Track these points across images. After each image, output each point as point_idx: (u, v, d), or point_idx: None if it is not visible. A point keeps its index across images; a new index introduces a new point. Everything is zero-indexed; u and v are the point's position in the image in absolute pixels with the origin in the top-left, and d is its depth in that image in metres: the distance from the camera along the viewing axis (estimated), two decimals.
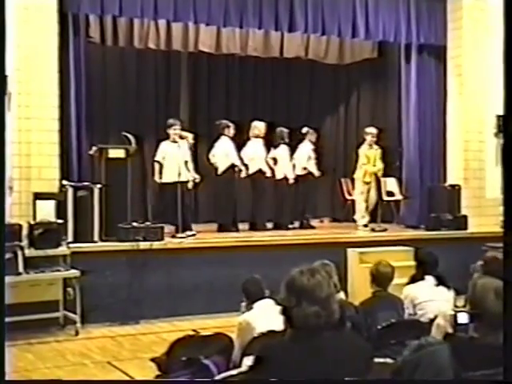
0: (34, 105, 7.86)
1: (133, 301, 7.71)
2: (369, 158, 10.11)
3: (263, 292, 4.68)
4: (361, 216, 10.15)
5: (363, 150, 10.19)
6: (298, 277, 2.57)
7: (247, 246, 8.46)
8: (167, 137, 9.04)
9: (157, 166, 9.01)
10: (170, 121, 9.14)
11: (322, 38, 10.54)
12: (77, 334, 7.17)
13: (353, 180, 11.03)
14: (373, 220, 10.22)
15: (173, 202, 8.79)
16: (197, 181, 9.28)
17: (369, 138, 10.15)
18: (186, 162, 8.97)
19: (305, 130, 10.59)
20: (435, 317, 4.13)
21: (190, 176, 9.04)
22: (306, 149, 10.51)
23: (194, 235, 8.78)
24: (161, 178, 8.98)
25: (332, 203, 12.26)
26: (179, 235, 8.58)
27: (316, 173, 10.52)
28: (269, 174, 9.99)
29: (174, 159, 8.84)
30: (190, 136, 9.64)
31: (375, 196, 10.22)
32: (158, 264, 7.92)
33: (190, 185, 9.19)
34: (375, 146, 10.18)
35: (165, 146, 9.00)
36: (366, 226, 10.03)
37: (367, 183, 10.14)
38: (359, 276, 8.01)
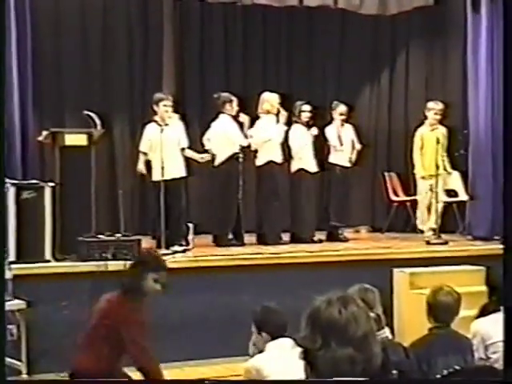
0: None
1: None
2: (430, 142, 10.11)
3: (285, 327, 4.67)
4: (427, 225, 10.14)
5: (422, 132, 10.22)
6: (325, 308, 2.56)
7: (255, 266, 8.48)
8: (154, 115, 9.13)
9: (142, 158, 9.10)
10: (159, 95, 9.22)
11: None
12: None
13: (399, 175, 11.05)
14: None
15: (154, 205, 8.80)
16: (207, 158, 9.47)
17: (430, 116, 10.17)
18: (182, 150, 9.13)
19: (342, 108, 10.60)
20: None
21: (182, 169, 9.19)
22: (348, 134, 10.56)
23: (184, 251, 8.78)
24: (150, 174, 9.09)
25: (372, 207, 12.25)
26: (162, 251, 8.58)
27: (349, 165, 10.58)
28: (284, 165, 10.01)
29: (168, 148, 8.95)
30: (175, 116, 9.66)
31: (443, 195, 10.20)
32: None
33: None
34: (440, 127, 10.17)
35: (151, 131, 9.10)
36: (435, 235, 9.99)
37: (431, 178, 10.12)
38: (410, 306, 8.01)
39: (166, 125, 9.05)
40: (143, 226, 10.20)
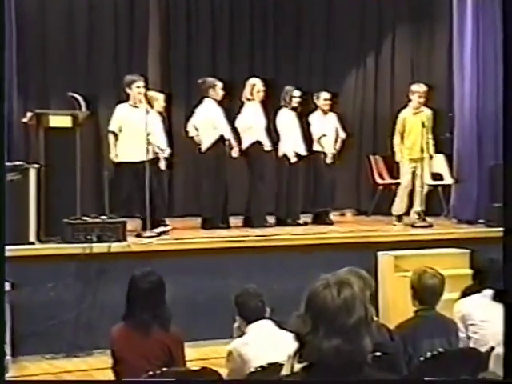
0: None
1: (84, 324, 7.73)
2: (414, 126, 10.09)
3: (264, 309, 4.70)
4: (400, 208, 10.17)
5: (405, 115, 10.18)
6: (321, 291, 2.53)
7: (241, 248, 8.48)
8: (127, 98, 9.05)
9: (111, 139, 9.01)
10: (130, 77, 9.15)
11: None
12: (6, 370, 7.17)
13: (385, 158, 11.04)
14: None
15: (138, 187, 8.79)
16: (166, 154, 9.32)
17: (415, 99, 10.13)
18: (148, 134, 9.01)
19: (325, 95, 10.59)
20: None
21: (157, 150, 9.14)
22: (332, 123, 10.56)
23: (165, 232, 8.77)
24: (117, 155, 8.98)
25: (357, 190, 12.27)
26: (147, 233, 8.58)
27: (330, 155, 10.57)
28: (270, 149, 10.00)
29: (137, 129, 8.85)
30: (160, 97, 9.62)
31: (427, 178, 10.21)
32: (119, 273, 7.86)
33: (162, 164, 9.28)
34: (425, 110, 10.15)
35: (123, 111, 9.02)
36: (399, 219, 10.06)
37: (414, 161, 10.10)
38: (395, 289, 8.05)
39: (137, 107, 8.93)
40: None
